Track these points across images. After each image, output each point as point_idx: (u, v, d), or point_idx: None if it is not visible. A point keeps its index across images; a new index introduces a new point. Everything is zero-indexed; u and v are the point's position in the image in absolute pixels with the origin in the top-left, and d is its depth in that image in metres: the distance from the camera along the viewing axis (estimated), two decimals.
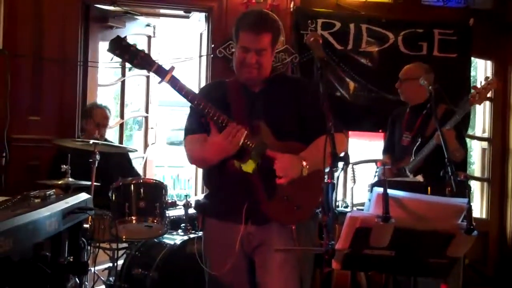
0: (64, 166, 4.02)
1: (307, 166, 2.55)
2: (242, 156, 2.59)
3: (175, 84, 2.51)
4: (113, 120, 5.79)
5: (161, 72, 2.51)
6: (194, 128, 2.70)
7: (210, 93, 2.77)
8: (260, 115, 2.67)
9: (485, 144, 6.29)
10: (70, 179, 4.01)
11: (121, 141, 5.83)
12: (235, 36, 2.70)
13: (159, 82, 2.52)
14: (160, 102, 6.57)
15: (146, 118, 6.25)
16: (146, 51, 2.63)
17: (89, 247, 4.03)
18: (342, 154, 2.08)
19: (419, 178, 3.98)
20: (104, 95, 5.83)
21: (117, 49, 2.48)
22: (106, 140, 4.74)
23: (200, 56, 5.71)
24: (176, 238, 3.97)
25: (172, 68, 2.52)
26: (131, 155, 5.04)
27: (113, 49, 2.48)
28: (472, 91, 3.76)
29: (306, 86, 2.81)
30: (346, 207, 5.01)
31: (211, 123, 2.55)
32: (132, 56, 2.49)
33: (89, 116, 4.75)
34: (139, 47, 2.54)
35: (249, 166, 2.59)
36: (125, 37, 2.54)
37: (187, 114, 2.83)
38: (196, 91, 2.69)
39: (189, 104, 2.61)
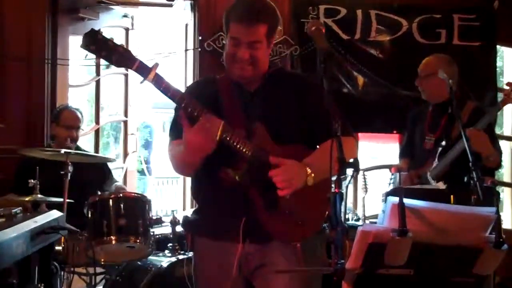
0: (32, 180, 4.01)
1: (313, 175, 2.55)
2: (237, 165, 2.59)
3: (160, 83, 2.50)
4: (87, 125, 5.78)
5: (144, 70, 2.49)
6: (179, 132, 2.69)
7: (199, 92, 2.77)
8: (257, 118, 2.67)
9: None
10: (39, 195, 4.00)
11: (96, 150, 5.83)
12: (225, 27, 2.69)
13: (142, 82, 2.51)
14: (154, 104, 6.57)
15: (125, 122, 6.25)
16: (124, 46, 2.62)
17: (62, 272, 4.01)
18: (351, 160, 2.08)
19: (440, 185, 3.99)
20: (77, 97, 5.84)
21: (92, 44, 2.46)
22: (79, 148, 4.73)
23: (186, 50, 5.71)
24: (162, 260, 3.95)
25: (156, 65, 2.51)
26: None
27: (88, 44, 2.46)
28: (506, 87, 3.76)
29: (309, 82, 2.81)
30: (357, 220, 5.01)
31: (183, 118, 2.53)
32: (110, 52, 2.46)
33: (57, 120, 4.74)
34: (116, 41, 2.52)
35: (245, 177, 2.59)
36: (99, 30, 2.53)
37: (171, 117, 2.83)
38: (183, 90, 2.70)
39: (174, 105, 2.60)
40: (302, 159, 2.59)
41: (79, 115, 4.76)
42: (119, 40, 5.84)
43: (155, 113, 14.95)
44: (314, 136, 2.69)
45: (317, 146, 2.69)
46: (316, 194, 2.59)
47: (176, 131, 2.73)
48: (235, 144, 2.55)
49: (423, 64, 4.29)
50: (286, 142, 2.66)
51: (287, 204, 2.60)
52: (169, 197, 12.83)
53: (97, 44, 2.46)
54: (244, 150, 2.57)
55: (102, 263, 3.93)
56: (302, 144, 2.70)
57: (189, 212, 3.10)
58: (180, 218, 4.13)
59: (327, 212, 2.64)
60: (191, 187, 2.92)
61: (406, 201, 2.09)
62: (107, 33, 2.65)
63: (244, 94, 2.74)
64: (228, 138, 2.53)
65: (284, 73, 2.94)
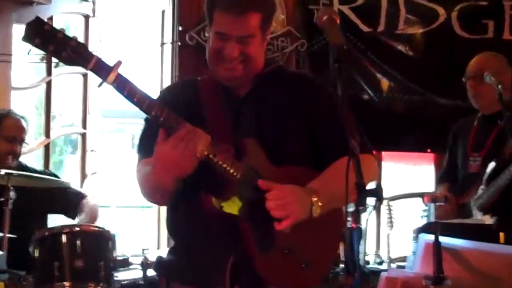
0: None
1: (320, 203, 2.53)
2: (223, 190, 2.59)
3: (123, 86, 2.49)
4: (35, 139, 5.78)
5: (102, 69, 2.48)
6: (149, 149, 2.68)
7: (175, 98, 2.77)
8: (248, 130, 2.67)
9: None
10: None
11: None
12: (207, 16, 2.70)
13: (100, 85, 2.51)
14: (103, 112, 6.58)
15: (83, 136, 6.25)
16: (83, 38, 2.64)
17: None
18: (372, 186, 2.08)
19: (487, 219, 4.00)
20: (21, 103, 5.83)
21: (37, 37, 2.46)
22: (22, 167, 4.72)
23: (162, 44, 5.73)
24: None
25: (118, 64, 2.50)
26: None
27: (31, 36, 2.46)
28: None
29: (317, 85, 2.81)
30: (380, 263, 5.00)
31: (161, 132, 2.53)
32: (59, 46, 2.46)
33: None
34: (72, 31, 2.53)
35: (233, 205, 2.59)
36: (51, 17, 2.54)
37: (141, 130, 2.83)
38: (156, 96, 2.70)
39: (144, 115, 2.61)
40: (305, 183, 2.59)
41: (24, 124, 4.75)
42: (78, 30, 5.92)
43: (120, 123, 14.97)
44: (321, 155, 2.70)
45: (325, 168, 2.69)
46: (324, 229, 2.59)
47: (145, 146, 2.73)
48: (220, 163, 2.55)
49: (476, 60, 4.31)
50: (285, 161, 2.66)
51: (287, 241, 2.58)
52: (140, 232, 12.80)
53: (43, 36, 2.46)
54: (232, 171, 2.57)
55: None
56: (305, 165, 2.70)
57: (164, 251, 3.09)
58: (153, 259, 4.12)
59: (339, 252, 2.64)
60: (166, 219, 2.92)
61: (443, 239, 2.09)
62: (61, 21, 2.66)
63: (232, 100, 2.74)
64: (211, 156, 2.53)
65: (284, 73, 2.94)
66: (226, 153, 2.57)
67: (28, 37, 2.46)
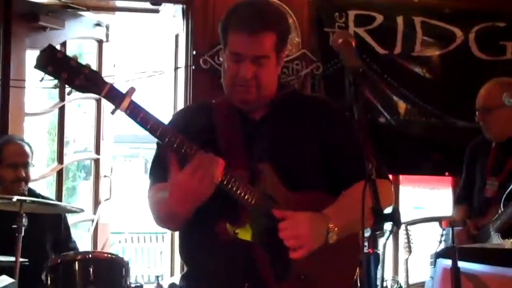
0: None
1: (336, 229, 2.53)
2: (238, 217, 2.59)
3: (136, 113, 2.49)
4: (48, 165, 5.80)
5: (116, 96, 2.48)
6: (162, 174, 2.69)
7: (188, 122, 2.78)
8: (263, 155, 2.67)
9: None
10: None
11: (59, 197, 5.83)
12: (222, 38, 2.70)
13: (113, 112, 2.51)
14: (116, 137, 6.59)
15: (97, 161, 6.27)
16: (96, 63, 2.65)
17: None
18: (388, 210, 2.07)
19: (508, 243, 3.97)
20: (34, 129, 5.86)
21: (50, 65, 2.45)
22: (32, 193, 4.73)
23: (176, 68, 5.75)
24: None
25: (132, 91, 2.50)
26: (74, 217, 5.03)
27: (44, 64, 2.45)
28: None
29: (333, 109, 2.82)
30: None
31: (172, 159, 2.52)
32: (72, 74, 2.46)
33: (0, 158, 4.76)
34: (86, 56, 2.54)
35: (248, 232, 2.60)
36: (65, 42, 2.55)
37: (153, 155, 2.83)
38: (169, 117, 2.70)
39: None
40: (320, 209, 2.58)
41: (27, 148, 4.75)
42: (91, 56, 5.94)
43: (133, 148, 15.02)
44: (336, 180, 2.69)
45: (340, 192, 2.68)
46: (340, 254, 2.59)
47: (158, 171, 2.73)
48: (235, 190, 2.55)
49: (483, 94, 4.31)
50: (300, 187, 2.66)
51: (302, 267, 2.58)
52: (153, 258, 12.79)
53: (56, 64, 2.45)
54: (246, 197, 2.57)
55: None
56: (321, 190, 2.70)
57: (178, 278, 3.09)
58: (166, 286, 4.12)
59: (356, 278, 2.63)
60: (179, 245, 2.91)
61: (462, 264, 2.08)
62: (75, 46, 2.68)
63: (247, 124, 2.74)
64: (227, 183, 2.53)
65: (299, 97, 2.95)
66: (241, 178, 2.57)
67: (41, 65, 2.46)
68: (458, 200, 4.55)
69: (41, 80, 2.50)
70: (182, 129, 2.60)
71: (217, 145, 2.67)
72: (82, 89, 2.49)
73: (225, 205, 2.56)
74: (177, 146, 2.50)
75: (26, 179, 4.68)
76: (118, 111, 2.49)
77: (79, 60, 2.50)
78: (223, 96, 2.80)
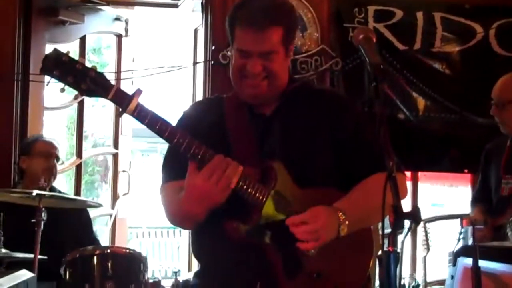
0: None
1: (347, 222, 2.51)
2: (249, 215, 2.58)
3: (144, 116, 2.49)
4: (66, 159, 5.82)
5: (123, 99, 2.49)
6: (174, 171, 2.69)
7: (198, 120, 2.77)
8: (274, 151, 2.67)
9: None
10: (3, 249, 4.01)
11: (78, 191, 5.85)
12: (230, 33, 2.71)
13: (120, 114, 2.52)
14: (134, 132, 6.60)
15: (115, 156, 6.28)
16: (115, 57, 2.65)
17: None
18: (408, 207, 2.06)
19: None
20: (53, 123, 5.88)
21: (56, 68, 2.46)
22: (54, 189, 4.75)
23: (195, 63, 5.75)
24: None
25: (138, 93, 2.50)
26: (92, 212, 5.04)
27: (50, 68, 2.46)
28: None
29: (343, 101, 2.82)
30: (417, 287, 4.97)
31: (191, 162, 2.52)
32: (78, 78, 2.47)
33: (28, 151, 4.78)
34: (105, 51, 2.54)
35: (260, 231, 2.59)
36: (84, 37, 2.55)
37: (164, 153, 2.83)
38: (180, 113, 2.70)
39: None
40: (331, 205, 2.57)
41: (56, 144, 4.80)
42: (110, 49, 5.95)
43: (152, 143, 15.01)
44: (348, 173, 2.68)
45: (352, 186, 2.67)
46: (352, 250, 2.59)
47: (171, 168, 2.74)
48: (246, 188, 2.55)
49: (499, 87, 4.29)
50: (311, 183, 2.65)
51: (314, 265, 2.58)
52: (171, 253, 12.82)
53: (62, 67, 2.46)
54: (258, 196, 2.56)
55: None
56: (333, 187, 2.69)
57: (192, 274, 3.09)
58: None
59: (368, 274, 2.62)
60: (192, 243, 2.91)
61: (482, 263, 2.06)
62: (94, 41, 2.67)
63: (258, 120, 2.74)
64: (241, 185, 2.54)
65: (309, 90, 2.94)
66: (252, 177, 2.57)
67: (47, 69, 2.47)
68: (474, 201, 4.53)
69: (47, 84, 2.51)
70: (192, 125, 2.61)
71: (228, 141, 2.67)
72: (89, 93, 2.50)
73: (236, 205, 2.56)
74: (186, 147, 2.50)
75: (53, 173, 4.69)
76: (126, 114, 2.50)
77: (84, 64, 2.50)
78: (234, 91, 2.80)
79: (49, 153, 4.73)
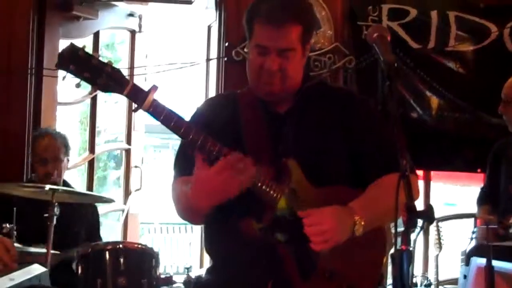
0: (7, 224, 4.04)
1: (362, 222, 2.51)
2: (263, 213, 2.58)
3: (159, 112, 2.49)
4: (79, 154, 5.83)
5: (138, 95, 2.48)
6: (187, 168, 2.68)
7: (212, 116, 2.78)
8: (288, 149, 2.67)
9: None
10: (17, 244, 4.02)
11: (90, 186, 5.87)
12: (248, 29, 2.70)
13: (135, 110, 2.51)
14: (147, 127, 6.61)
15: (128, 151, 6.29)
16: (129, 53, 2.64)
17: None
18: (421, 206, 2.06)
19: None
20: (66, 118, 5.89)
21: (72, 63, 2.45)
22: (66, 184, 4.76)
23: (208, 59, 5.75)
24: None
25: (154, 89, 2.48)
26: (104, 207, 5.05)
27: (66, 63, 2.45)
28: None
29: (358, 101, 2.82)
30: (428, 285, 4.96)
31: (197, 155, 2.51)
32: (94, 73, 2.46)
33: (33, 150, 4.79)
34: (118, 46, 2.54)
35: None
36: (98, 32, 2.55)
37: (177, 149, 2.84)
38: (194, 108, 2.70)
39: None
40: (345, 204, 2.57)
41: (59, 142, 4.73)
42: (123, 45, 5.96)
43: (164, 139, 15.05)
44: (363, 172, 2.69)
45: (366, 185, 2.67)
46: (365, 249, 2.59)
47: (183, 164, 2.74)
48: (262, 187, 2.55)
49: (509, 85, 4.28)
50: (325, 182, 2.65)
51: (328, 264, 2.57)
52: (182, 249, 12.84)
53: (78, 63, 2.45)
54: (273, 194, 2.56)
55: None
56: (347, 185, 2.69)
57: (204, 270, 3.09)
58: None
59: (381, 274, 2.62)
60: (204, 239, 2.91)
61: (495, 263, 2.06)
62: (108, 36, 2.67)
63: (272, 118, 2.74)
64: (255, 183, 2.53)
65: (325, 89, 2.94)
66: (266, 175, 2.56)
67: (63, 64, 2.46)
68: (481, 200, 4.52)
69: (63, 79, 2.50)
70: (206, 122, 2.61)
71: (242, 138, 2.67)
72: (105, 88, 2.48)
73: (250, 202, 2.56)
74: (201, 144, 2.49)
75: (56, 174, 4.67)
76: (142, 110, 2.49)
77: (100, 59, 2.49)
78: (248, 86, 2.79)
79: (46, 159, 4.64)
